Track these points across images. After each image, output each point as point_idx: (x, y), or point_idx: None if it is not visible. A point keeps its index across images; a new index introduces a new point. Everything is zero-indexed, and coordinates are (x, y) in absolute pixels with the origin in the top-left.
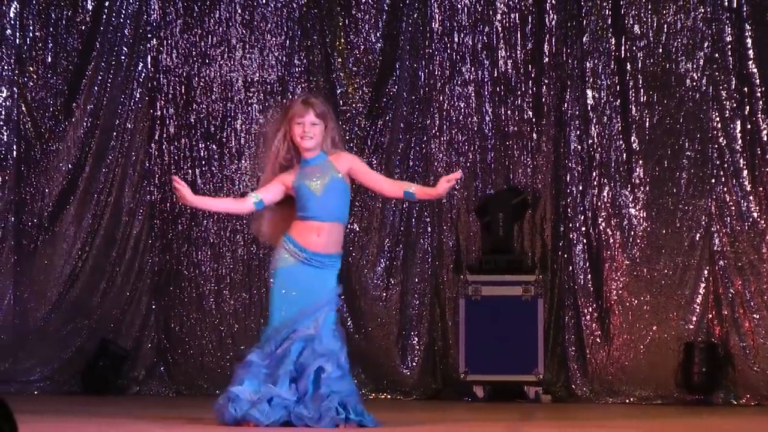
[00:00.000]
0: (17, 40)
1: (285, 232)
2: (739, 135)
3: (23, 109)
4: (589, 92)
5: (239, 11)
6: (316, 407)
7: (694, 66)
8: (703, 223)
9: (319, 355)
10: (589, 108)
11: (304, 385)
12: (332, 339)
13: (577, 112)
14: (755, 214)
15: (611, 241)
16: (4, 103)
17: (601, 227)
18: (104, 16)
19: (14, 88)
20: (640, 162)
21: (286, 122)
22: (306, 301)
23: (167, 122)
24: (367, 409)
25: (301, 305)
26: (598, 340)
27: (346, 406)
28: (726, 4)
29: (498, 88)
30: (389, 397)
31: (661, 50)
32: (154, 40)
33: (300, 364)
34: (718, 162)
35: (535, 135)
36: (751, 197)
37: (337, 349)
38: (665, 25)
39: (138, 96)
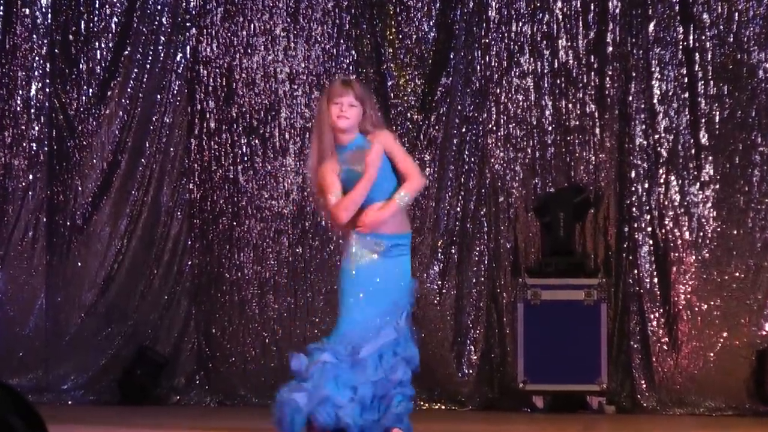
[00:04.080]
0: (49, 30)
1: (353, 230)
2: None
3: (55, 103)
4: (656, 84)
5: None
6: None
7: (767, 56)
8: None
9: (402, 361)
10: (655, 101)
11: (385, 405)
12: (412, 341)
13: (643, 106)
14: None
15: (679, 242)
16: (35, 97)
17: (668, 227)
18: (139, 4)
19: (46, 80)
20: (710, 158)
21: (326, 103)
22: (387, 299)
23: (207, 116)
24: (414, 419)
25: (383, 303)
26: (665, 347)
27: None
28: None
29: (558, 80)
30: (443, 407)
31: (731, 40)
32: (194, 29)
33: (384, 377)
34: None
35: (597, 129)
36: None
37: (416, 352)
38: (736, 13)
39: (176, 89)
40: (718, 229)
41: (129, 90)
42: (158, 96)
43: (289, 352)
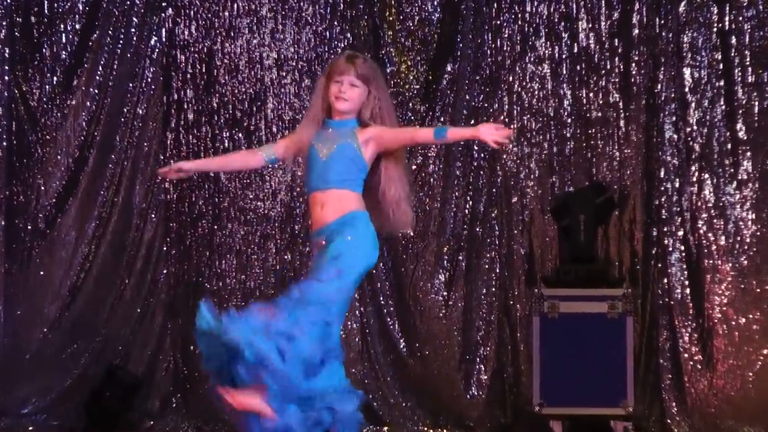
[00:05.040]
0: (8, 11)
1: None
2: None
3: (15, 92)
4: (687, 71)
5: None
6: None
7: None
8: None
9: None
10: (686, 90)
11: None
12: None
13: (673, 95)
14: None
15: (713, 248)
16: None
17: (701, 231)
18: None
19: (5, 67)
20: (748, 154)
21: (326, 78)
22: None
23: (185, 107)
24: None
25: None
26: (698, 366)
27: None
28: None
29: (578, 67)
30: None
31: None
32: (170, 9)
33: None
34: None
35: (622, 122)
36: None
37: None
38: None
39: (150, 76)
40: (758, 234)
41: (98, 78)
42: (130, 84)
43: None
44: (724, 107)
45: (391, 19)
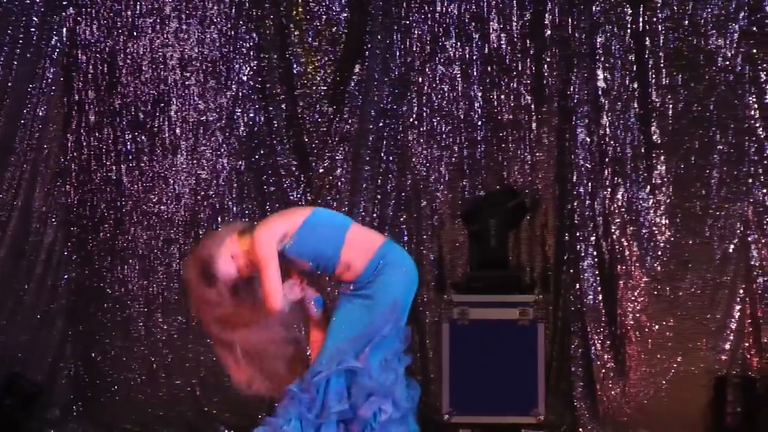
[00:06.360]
0: None
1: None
2: None
3: None
4: (600, 73)
5: None
6: None
7: (728, 42)
8: (738, 231)
9: (369, 393)
10: (599, 92)
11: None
12: (383, 371)
13: (586, 98)
14: None
15: (626, 253)
16: None
17: (614, 237)
18: None
19: None
20: (662, 158)
21: None
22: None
23: (86, 108)
24: None
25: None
26: (610, 373)
27: None
28: None
29: (489, 68)
30: None
31: (687, 22)
32: (71, 8)
33: (352, 404)
34: (756, 158)
35: (534, 124)
36: None
37: (391, 383)
38: None
39: (51, 77)
40: (672, 239)
41: None
42: (30, 85)
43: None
44: (637, 110)
45: (297, 18)
